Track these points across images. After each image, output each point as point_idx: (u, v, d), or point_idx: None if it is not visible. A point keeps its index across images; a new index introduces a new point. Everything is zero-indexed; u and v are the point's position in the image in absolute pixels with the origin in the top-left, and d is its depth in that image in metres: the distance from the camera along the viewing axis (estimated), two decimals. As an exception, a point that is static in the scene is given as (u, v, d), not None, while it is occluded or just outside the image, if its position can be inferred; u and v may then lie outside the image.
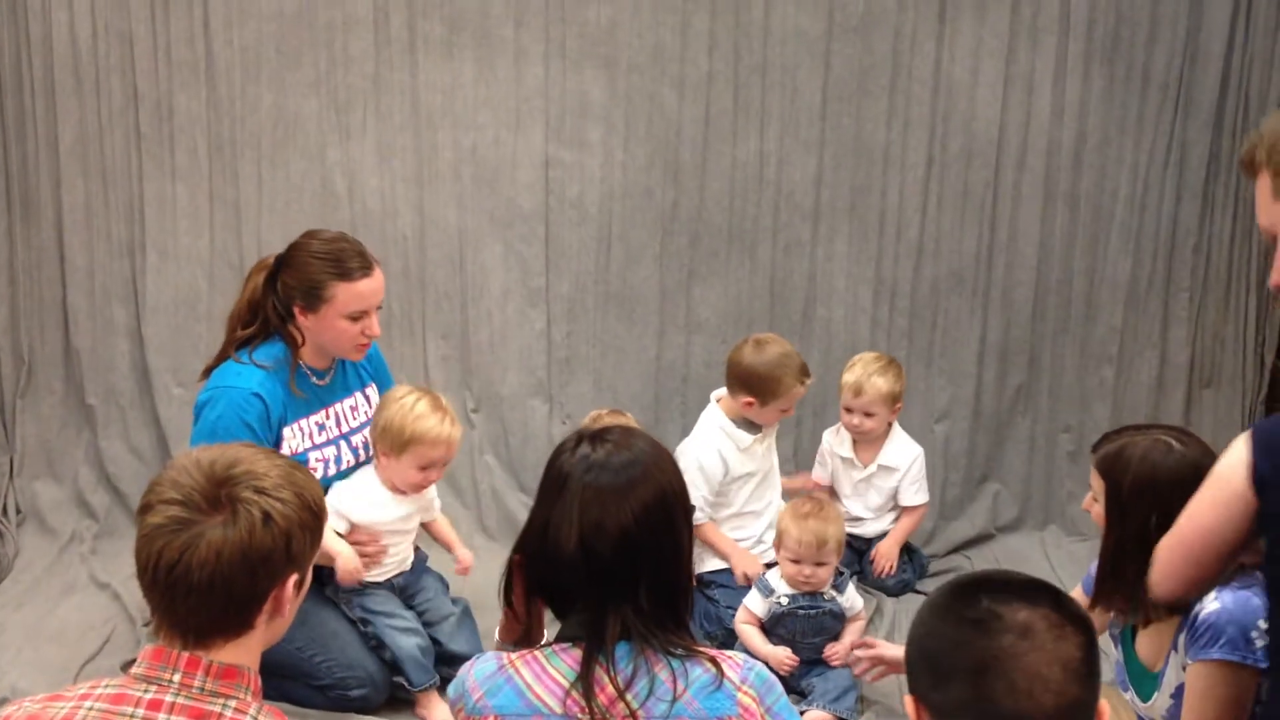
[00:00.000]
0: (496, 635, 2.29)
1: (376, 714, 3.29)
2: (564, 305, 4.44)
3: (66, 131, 4.22)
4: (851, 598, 3.48)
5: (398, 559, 3.40)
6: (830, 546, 3.35)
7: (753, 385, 3.71)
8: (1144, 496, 2.44)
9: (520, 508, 4.36)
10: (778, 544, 3.45)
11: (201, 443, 3.05)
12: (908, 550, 4.12)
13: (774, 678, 2.05)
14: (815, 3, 4.22)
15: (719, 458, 3.76)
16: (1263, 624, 2.32)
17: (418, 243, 4.36)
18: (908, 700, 1.65)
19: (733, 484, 3.83)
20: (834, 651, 3.41)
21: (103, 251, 4.31)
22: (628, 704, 1.91)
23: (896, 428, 4.08)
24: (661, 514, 2.01)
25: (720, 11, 4.22)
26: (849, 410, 3.97)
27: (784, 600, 3.42)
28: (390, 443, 3.26)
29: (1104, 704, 1.58)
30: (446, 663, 3.35)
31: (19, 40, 4.16)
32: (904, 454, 4.05)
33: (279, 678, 3.06)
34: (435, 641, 3.39)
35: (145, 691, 1.75)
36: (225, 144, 4.26)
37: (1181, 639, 2.42)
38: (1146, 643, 2.59)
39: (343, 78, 4.24)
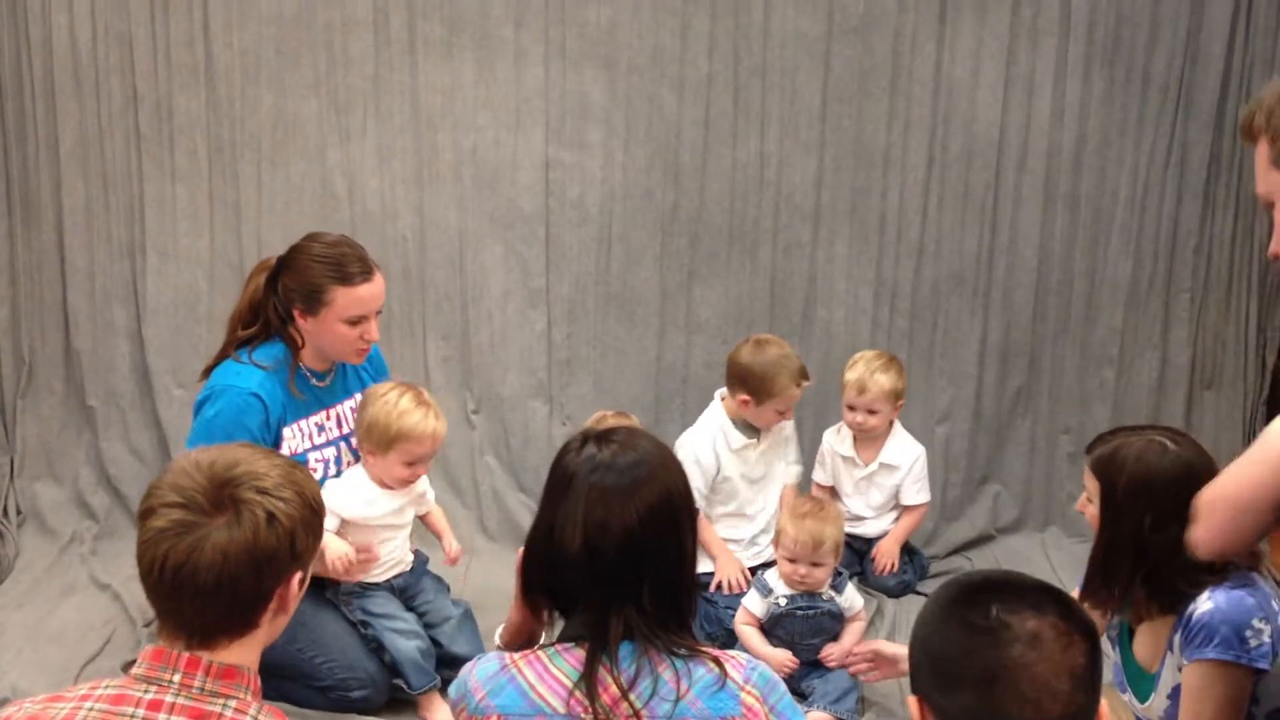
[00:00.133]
0: (497, 638, 2.30)
1: (377, 715, 3.29)
2: (564, 306, 4.44)
3: (66, 133, 4.23)
4: (851, 597, 3.48)
5: (395, 555, 3.40)
6: (827, 547, 3.35)
7: (749, 383, 3.75)
8: (1139, 497, 2.45)
9: (521, 509, 4.37)
10: (776, 543, 3.45)
11: (199, 440, 3.08)
12: (908, 551, 4.12)
13: (777, 677, 2.05)
14: (815, 4, 4.21)
15: (712, 452, 3.81)
16: (1257, 623, 2.33)
17: (418, 244, 4.37)
18: (911, 701, 1.66)
19: (724, 484, 3.86)
20: (830, 653, 3.41)
21: (103, 253, 4.32)
22: (631, 704, 1.92)
23: (898, 426, 4.08)
24: (666, 515, 2.02)
25: (720, 13, 4.22)
26: (852, 408, 3.98)
27: (782, 600, 3.42)
28: (376, 440, 3.26)
29: (1104, 704, 1.60)
30: (448, 665, 3.34)
31: (19, 42, 4.16)
32: (906, 452, 4.05)
33: (280, 679, 3.07)
34: (436, 643, 3.39)
35: (145, 692, 1.75)
36: (225, 145, 4.27)
37: (1176, 639, 2.43)
38: (1143, 644, 2.59)
39: (342, 79, 4.24)
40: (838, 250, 4.42)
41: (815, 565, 3.37)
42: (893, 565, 4.02)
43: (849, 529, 3.82)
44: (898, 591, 4.00)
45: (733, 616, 3.52)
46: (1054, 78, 4.28)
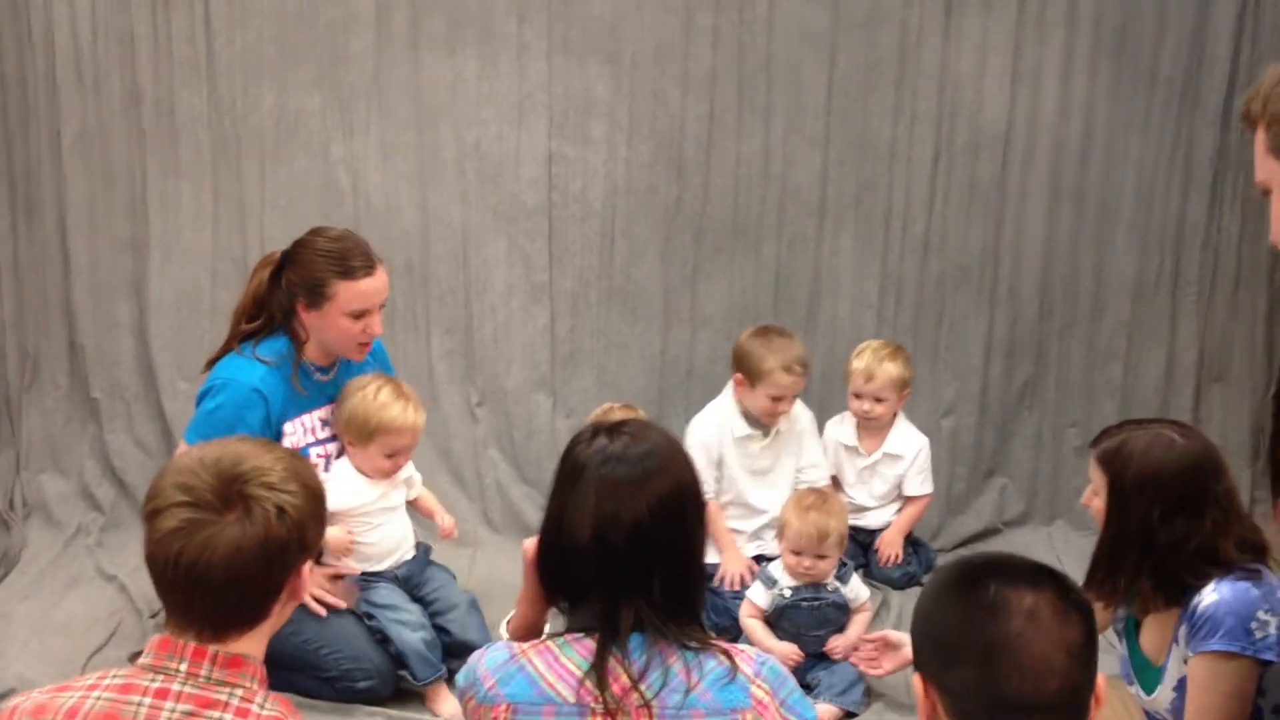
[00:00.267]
0: (504, 629, 2.31)
1: (383, 705, 3.29)
2: (567, 301, 4.44)
3: (69, 129, 4.22)
4: (856, 588, 3.48)
5: (394, 540, 3.42)
6: (832, 540, 3.35)
7: (743, 364, 3.82)
8: (1146, 490, 2.45)
9: (524, 501, 4.37)
10: (780, 534, 3.45)
11: (199, 431, 3.12)
12: (914, 544, 4.12)
13: (786, 671, 2.06)
14: (820, -2, 4.22)
15: (716, 437, 3.86)
16: (1262, 614, 2.33)
17: (421, 239, 4.36)
18: (916, 679, 1.69)
19: (724, 471, 3.88)
20: (835, 645, 3.41)
21: (106, 248, 4.32)
22: (641, 694, 1.92)
23: (902, 416, 4.09)
24: (675, 506, 2.02)
25: (724, 7, 4.21)
26: (858, 396, 4.00)
27: (787, 592, 3.42)
28: (356, 433, 3.30)
29: (1101, 678, 1.63)
30: (456, 653, 3.34)
31: (21, 38, 4.16)
32: (910, 442, 4.06)
33: (286, 670, 3.07)
34: (445, 631, 3.40)
35: (152, 681, 1.76)
36: (228, 141, 4.26)
37: (1182, 632, 2.43)
38: (1150, 636, 2.59)
39: (345, 74, 4.24)
40: (843, 244, 4.41)
41: (820, 557, 3.37)
42: (897, 556, 4.02)
43: (851, 520, 3.81)
44: (902, 583, 4.00)
45: (740, 607, 3.52)
46: (1060, 72, 4.27)
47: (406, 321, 4.40)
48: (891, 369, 3.95)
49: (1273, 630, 2.33)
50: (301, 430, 3.30)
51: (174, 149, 4.26)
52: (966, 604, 1.63)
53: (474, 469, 4.44)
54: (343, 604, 3.29)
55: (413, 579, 3.45)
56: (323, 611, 3.25)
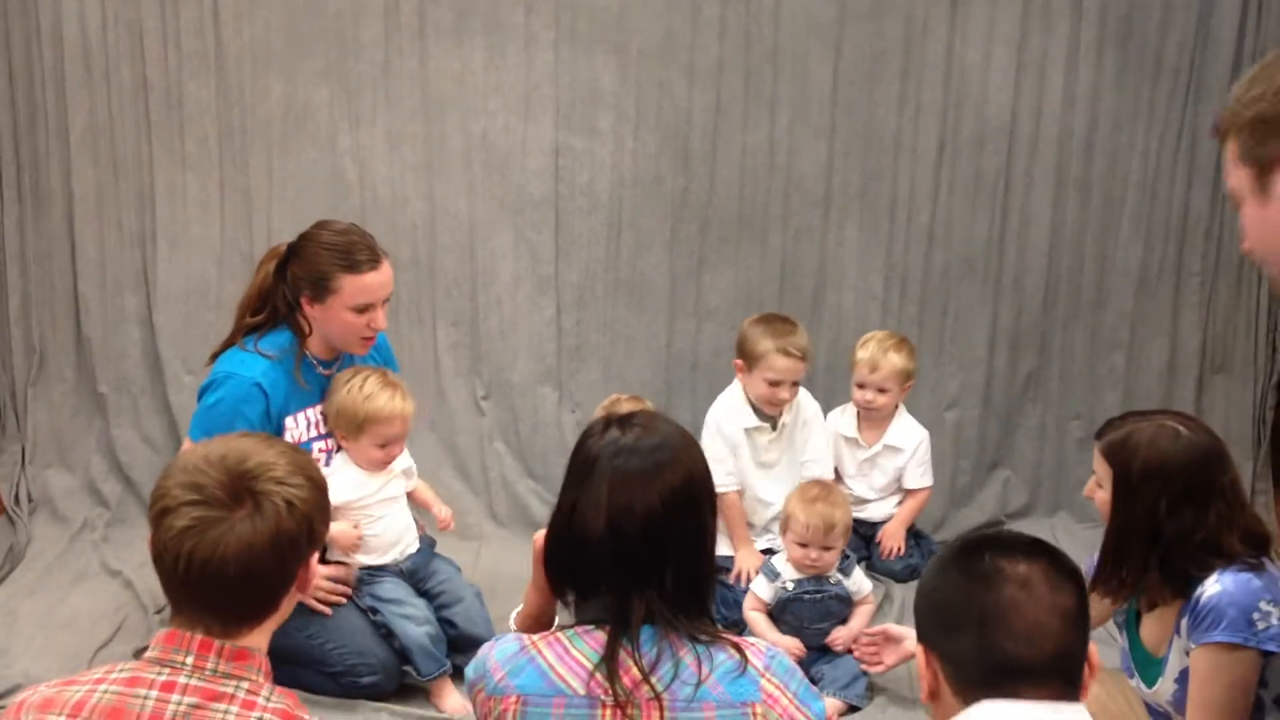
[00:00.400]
0: (513, 622, 2.31)
1: (388, 701, 3.29)
2: (574, 293, 4.44)
3: (77, 121, 4.23)
4: (858, 580, 3.48)
5: (397, 531, 3.43)
6: (838, 531, 3.36)
7: (742, 346, 3.86)
8: (1152, 481, 2.45)
9: (530, 494, 4.38)
10: (784, 528, 3.45)
11: (200, 426, 3.14)
12: (916, 536, 4.13)
13: (794, 664, 2.06)
14: (826, -12, 4.22)
15: (729, 419, 3.87)
16: (1264, 605, 2.33)
17: (428, 230, 4.37)
18: (918, 648, 1.77)
19: (734, 463, 3.88)
20: (837, 636, 3.42)
21: (114, 241, 4.33)
22: (652, 686, 1.92)
23: (903, 409, 4.10)
24: (687, 497, 2.03)
25: (730, -2, 4.22)
26: (862, 386, 4.00)
27: (790, 585, 3.42)
28: (345, 426, 3.30)
29: (1093, 647, 1.72)
30: (462, 646, 3.36)
31: (29, 30, 4.17)
32: (910, 435, 4.06)
33: (291, 665, 3.06)
34: (451, 624, 3.40)
35: (159, 674, 1.77)
36: (236, 133, 4.27)
37: (1184, 623, 2.43)
38: (1150, 628, 2.59)
39: (353, 65, 4.24)
40: (848, 235, 4.41)
41: (825, 549, 3.37)
42: (899, 549, 4.03)
43: (853, 513, 3.83)
44: (905, 576, 4.00)
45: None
46: (1065, 62, 4.27)
47: (412, 314, 4.40)
48: (896, 360, 3.96)
49: (1275, 621, 2.33)
50: (303, 425, 3.31)
51: (182, 141, 4.27)
52: (965, 574, 1.72)
53: (479, 462, 4.44)
54: (343, 599, 3.29)
55: (418, 572, 3.45)
56: (328, 611, 3.26)
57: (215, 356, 3.33)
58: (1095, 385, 4.51)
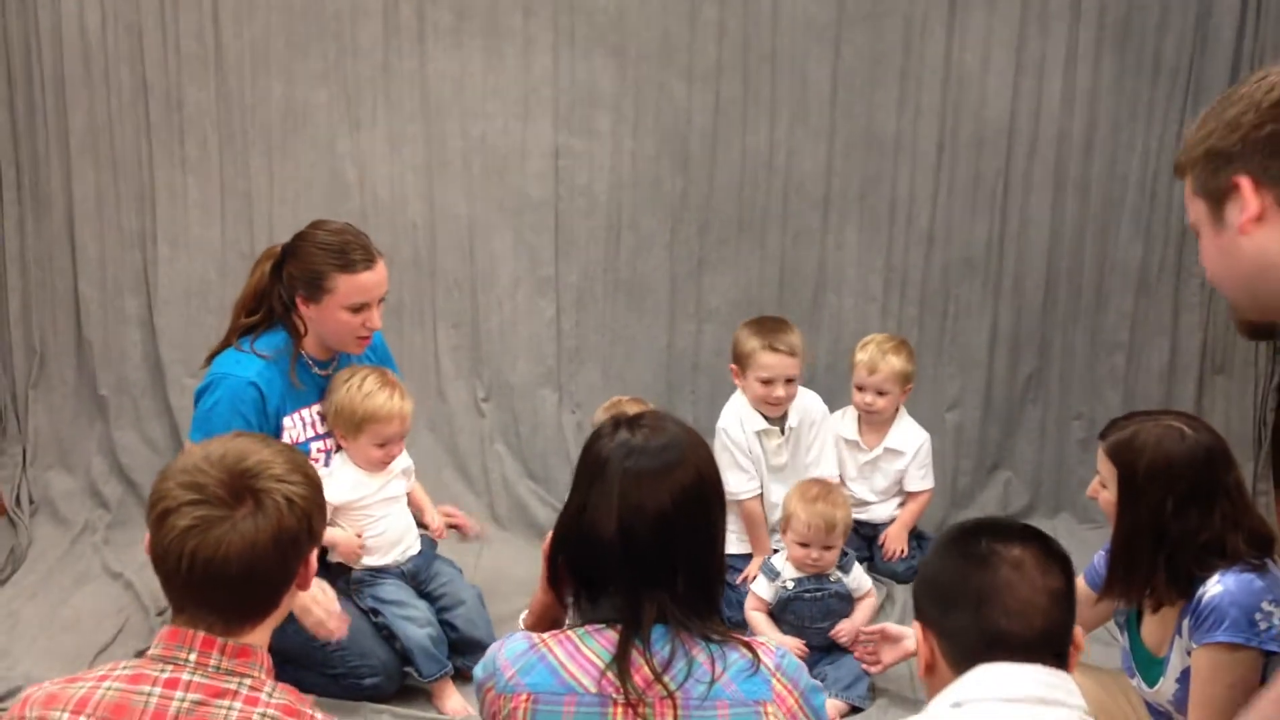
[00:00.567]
0: (521, 623, 2.31)
1: (389, 703, 3.29)
2: (573, 294, 4.44)
3: (77, 123, 4.24)
4: (858, 577, 3.49)
5: (398, 532, 3.43)
6: (839, 530, 3.37)
7: (733, 351, 3.88)
8: (1158, 481, 2.45)
9: (530, 496, 4.38)
10: (784, 527, 3.46)
11: (198, 429, 3.14)
12: (918, 537, 4.13)
13: (802, 664, 2.07)
14: (824, -10, 4.22)
15: (738, 424, 3.86)
16: (1266, 605, 2.33)
17: (427, 232, 4.37)
18: (916, 627, 1.89)
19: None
20: (841, 630, 3.42)
21: (114, 242, 4.33)
22: (665, 685, 1.93)
23: (904, 412, 4.09)
24: (697, 496, 2.04)
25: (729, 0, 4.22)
26: (861, 388, 4.00)
27: (790, 584, 3.42)
28: (344, 425, 3.30)
29: (1078, 630, 1.84)
30: (462, 650, 3.37)
31: (28, 32, 4.18)
32: (911, 438, 4.06)
33: (292, 666, 3.07)
34: (452, 627, 3.40)
35: (162, 671, 1.78)
36: (235, 135, 4.27)
37: (1185, 624, 2.43)
38: (1151, 628, 2.59)
39: (352, 67, 4.25)
40: (847, 237, 4.42)
41: (826, 549, 3.38)
42: (902, 551, 4.03)
43: (855, 515, 3.84)
44: (907, 577, 3.99)
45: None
46: (1064, 63, 4.27)
47: (413, 315, 4.41)
48: (895, 362, 3.95)
49: (1277, 621, 2.34)
50: (300, 425, 3.31)
51: (181, 142, 4.27)
52: (963, 556, 1.83)
53: (480, 464, 4.44)
54: (341, 633, 3.21)
55: (419, 574, 3.45)
56: (334, 636, 3.19)
57: (211, 358, 3.33)
58: (1096, 386, 4.51)
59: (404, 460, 3.47)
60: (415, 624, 3.30)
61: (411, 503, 3.58)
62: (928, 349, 4.42)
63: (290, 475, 1.85)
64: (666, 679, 1.93)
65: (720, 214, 4.39)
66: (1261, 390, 4.48)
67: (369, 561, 3.36)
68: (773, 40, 4.25)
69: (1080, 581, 2.81)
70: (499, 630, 3.37)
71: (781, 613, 3.45)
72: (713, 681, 1.94)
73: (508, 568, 3.95)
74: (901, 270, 4.44)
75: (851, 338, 4.30)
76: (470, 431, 4.46)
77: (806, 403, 3.95)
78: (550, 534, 2.18)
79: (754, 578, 3.66)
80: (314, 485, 1.91)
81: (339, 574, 3.35)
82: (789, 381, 3.81)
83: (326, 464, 3.36)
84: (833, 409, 4.24)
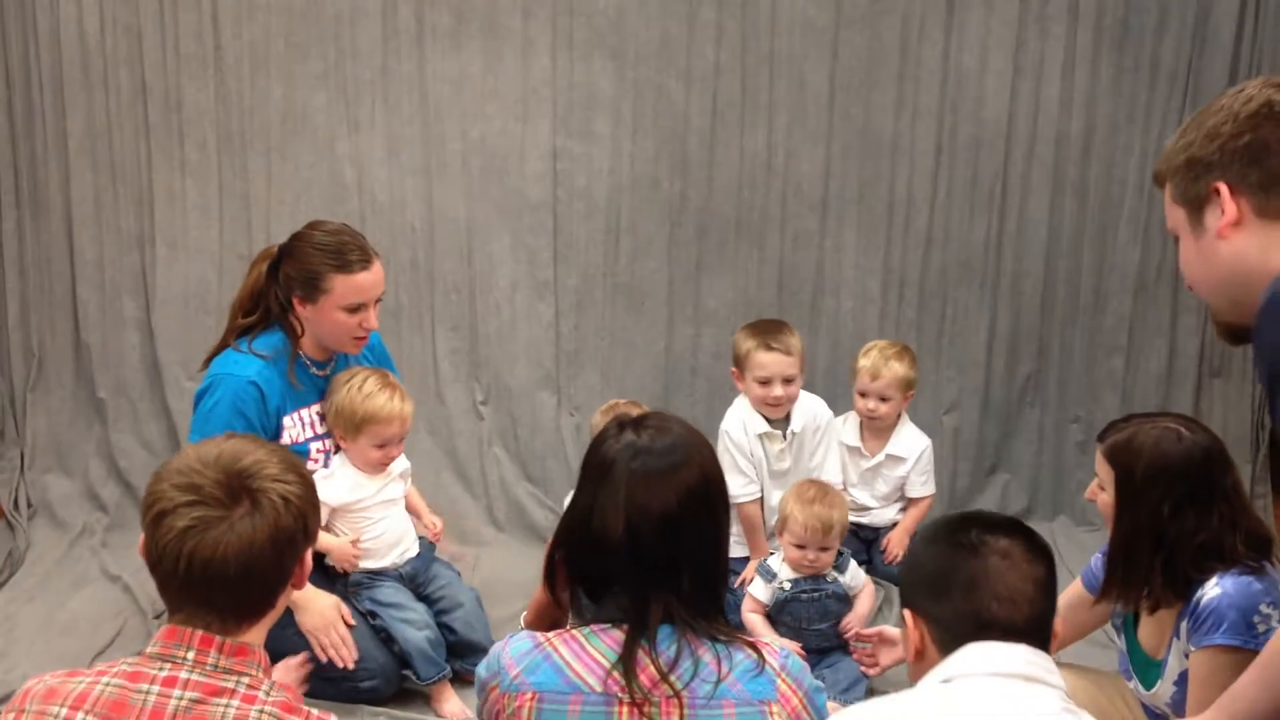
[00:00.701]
0: (522, 624, 2.31)
1: (387, 705, 3.29)
2: (572, 297, 4.44)
3: (75, 125, 4.24)
4: (854, 575, 3.49)
5: (396, 534, 3.42)
6: (836, 531, 3.37)
7: (733, 353, 3.88)
8: (1157, 483, 2.44)
9: (529, 499, 4.38)
10: (781, 529, 3.46)
11: (199, 430, 3.12)
12: (917, 540, 4.12)
13: (805, 664, 2.08)
14: (822, -8, 4.22)
15: (741, 428, 3.85)
16: (1264, 608, 2.33)
17: (426, 234, 4.37)
18: (906, 613, 1.95)
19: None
20: (849, 622, 3.43)
21: (112, 245, 4.33)
22: (671, 685, 1.93)
23: (905, 417, 4.08)
24: (703, 496, 2.04)
25: (727, 2, 4.22)
26: (863, 394, 3.99)
27: (787, 585, 3.42)
28: (344, 426, 3.30)
29: (1058, 621, 1.93)
30: (460, 653, 3.37)
31: (27, 34, 4.18)
32: (913, 444, 4.05)
33: (290, 668, 3.08)
34: (450, 630, 3.40)
35: (160, 669, 1.79)
36: (234, 137, 4.28)
37: (1184, 626, 2.43)
38: (1149, 631, 2.59)
39: (351, 70, 4.25)
40: (846, 239, 4.42)
41: (823, 550, 3.38)
42: (902, 555, 4.03)
43: (854, 518, 3.85)
44: (907, 580, 4.00)
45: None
46: (1062, 65, 4.27)
47: (412, 318, 4.41)
48: (898, 368, 3.94)
49: (1275, 624, 2.33)
50: (300, 425, 3.31)
51: (180, 145, 4.27)
52: (953, 545, 1.91)
53: (478, 467, 4.44)
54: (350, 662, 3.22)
55: (417, 577, 3.45)
56: (339, 663, 3.18)
57: (209, 360, 3.32)
58: (1094, 388, 4.52)
59: (402, 463, 3.47)
60: (413, 627, 3.30)
61: (407, 507, 3.59)
62: (926, 351, 4.42)
63: (285, 475, 1.86)
64: (672, 678, 1.93)
65: (718, 217, 4.39)
66: (1259, 394, 4.48)
67: (367, 564, 3.36)
68: (771, 42, 4.25)
69: (1078, 584, 2.81)
70: (497, 633, 3.37)
71: (779, 614, 3.45)
72: (718, 681, 1.94)
73: (506, 571, 3.95)
74: (900, 272, 4.44)
75: (850, 340, 4.30)
76: (469, 434, 4.46)
77: (811, 407, 3.94)
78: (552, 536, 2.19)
79: (751, 580, 3.67)
80: (308, 485, 1.92)
81: (337, 577, 3.35)
82: (787, 382, 3.80)
83: (326, 465, 3.36)
84: (833, 410, 4.24)
